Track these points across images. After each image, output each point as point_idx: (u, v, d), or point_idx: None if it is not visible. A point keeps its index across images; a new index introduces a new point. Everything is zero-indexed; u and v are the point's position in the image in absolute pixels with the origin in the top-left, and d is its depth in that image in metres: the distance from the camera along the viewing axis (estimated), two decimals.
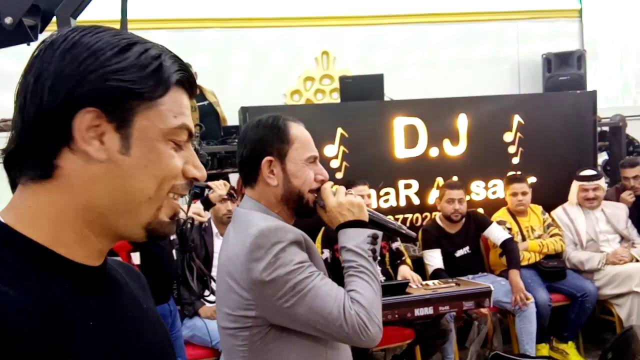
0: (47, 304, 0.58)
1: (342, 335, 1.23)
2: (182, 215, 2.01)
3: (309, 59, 5.76)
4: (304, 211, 1.37)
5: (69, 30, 0.64)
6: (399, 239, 3.50)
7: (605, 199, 3.81)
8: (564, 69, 5.54)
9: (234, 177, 4.67)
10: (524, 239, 3.66)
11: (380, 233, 1.36)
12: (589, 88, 5.43)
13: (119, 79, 0.62)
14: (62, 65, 0.61)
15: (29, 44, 2.15)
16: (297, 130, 1.36)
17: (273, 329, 1.25)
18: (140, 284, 0.81)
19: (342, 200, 1.34)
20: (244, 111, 3.68)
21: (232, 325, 1.27)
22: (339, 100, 4.69)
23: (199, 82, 4.94)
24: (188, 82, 0.69)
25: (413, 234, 1.52)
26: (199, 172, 0.70)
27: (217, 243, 3.35)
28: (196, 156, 0.70)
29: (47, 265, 0.61)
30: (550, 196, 3.92)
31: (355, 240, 1.31)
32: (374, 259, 1.32)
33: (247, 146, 1.35)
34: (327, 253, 3.34)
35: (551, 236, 3.69)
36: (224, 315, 1.30)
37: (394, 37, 5.90)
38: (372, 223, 1.38)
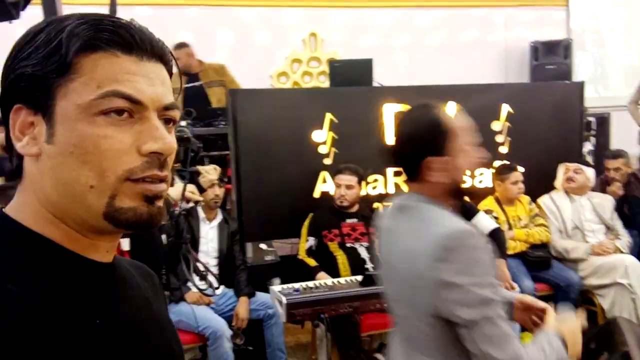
0: (51, 300, 0.56)
1: None
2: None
3: (296, 40, 5.66)
4: (459, 197, 1.43)
5: None
6: None
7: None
8: (551, 58, 5.56)
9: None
10: (510, 228, 3.69)
11: None
12: (575, 77, 5.47)
13: (24, 66, 0.58)
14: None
15: (11, 22, 2.06)
16: (456, 122, 1.37)
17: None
18: (153, 285, 0.78)
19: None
20: (232, 94, 3.61)
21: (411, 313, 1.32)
22: (326, 83, 4.65)
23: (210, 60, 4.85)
24: (125, 43, 0.60)
25: None
26: (157, 143, 0.60)
27: (204, 228, 3.31)
28: (156, 126, 0.61)
29: (53, 260, 0.59)
30: (536, 186, 3.94)
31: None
32: None
33: (408, 143, 1.38)
34: (312, 241, 3.33)
35: (536, 226, 3.72)
36: (403, 305, 1.37)
37: (382, 20, 5.83)
38: None
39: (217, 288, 3.03)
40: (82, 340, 0.57)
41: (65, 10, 1.59)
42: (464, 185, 1.41)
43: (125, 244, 2.25)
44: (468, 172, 1.42)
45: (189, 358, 3.28)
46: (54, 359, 0.54)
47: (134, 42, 0.60)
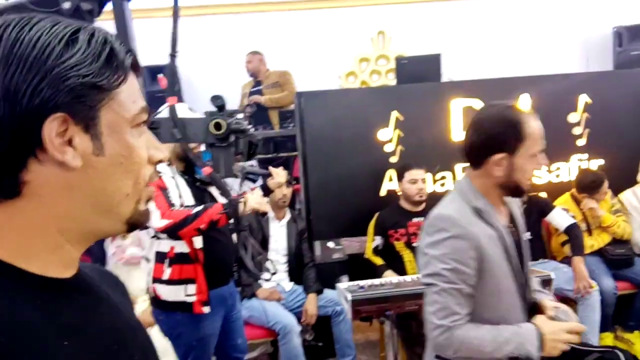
0: (15, 326, 0.53)
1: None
2: (234, 195, 2.01)
3: (365, 40, 5.68)
4: (515, 194, 1.53)
5: (0, 25, 0.55)
6: None
7: None
8: (637, 43, 5.20)
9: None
10: (588, 228, 3.51)
11: None
12: None
13: (79, 75, 0.55)
14: (9, 71, 0.53)
15: None
16: (532, 127, 1.45)
17: None
18: (119, 289, 0.76)
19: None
20: (299, 96, 3.70)
21: None
22: (394, 81, 4.63)
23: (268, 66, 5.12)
24: (136, 61, 0.64)
25: None
26: (162, 153, 0.66)
27: (273, 227, 3.42)
28: (152, 137, 0.66)
29: (12, 283, 0.56)
30: (617, 180, 3.72)
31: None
32: None
33: (482, 136, 1.47)
34: (378, 240, 3.34)
35: None
36: None
37: (452, 14, 5.70)
38: None
39: (274, 273, 3.11)
40: None
41: (135, 21, 1.70)
42: (523, 185, 1.48)
43: (199, 242, 2.37)
44: (535, 173, 1.51)
45: (260, 352, 3.41)
46: None
47: (137, 61, 0.64)
